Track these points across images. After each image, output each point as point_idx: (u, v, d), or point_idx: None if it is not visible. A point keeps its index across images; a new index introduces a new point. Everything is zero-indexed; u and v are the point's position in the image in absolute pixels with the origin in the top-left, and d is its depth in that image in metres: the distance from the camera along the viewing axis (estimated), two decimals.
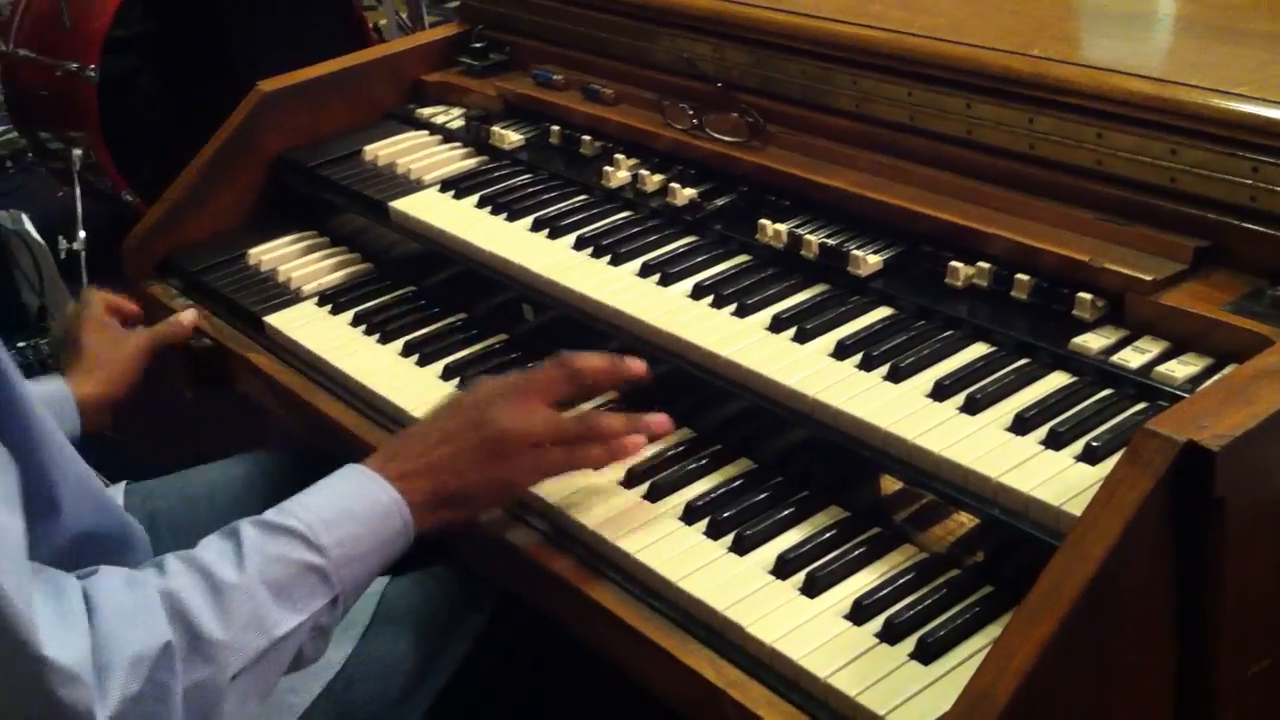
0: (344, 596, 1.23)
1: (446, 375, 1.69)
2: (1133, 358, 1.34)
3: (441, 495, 1.30)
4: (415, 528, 1.28)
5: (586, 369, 1.41)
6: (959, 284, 1.50)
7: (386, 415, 1.66)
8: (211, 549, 1.19)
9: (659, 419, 1.41)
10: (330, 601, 1.21)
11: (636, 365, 1.43)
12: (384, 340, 1.79)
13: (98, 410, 1.72)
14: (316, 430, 1.73)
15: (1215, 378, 1.28)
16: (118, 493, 1.70)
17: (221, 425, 2.53)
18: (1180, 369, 1.31)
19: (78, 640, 1.04)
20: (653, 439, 1.43)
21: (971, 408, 1.33)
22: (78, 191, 3.77)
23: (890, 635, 1.20)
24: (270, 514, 1.23)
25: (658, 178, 1.83)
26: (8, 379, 1.12)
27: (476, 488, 1.32)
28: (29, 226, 3.32)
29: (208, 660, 1.11)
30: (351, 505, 1.25)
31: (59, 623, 1.03)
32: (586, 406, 1.51)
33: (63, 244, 3.66)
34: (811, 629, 1.22)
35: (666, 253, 1.70)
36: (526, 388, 1.37)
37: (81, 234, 3.66)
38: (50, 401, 1.63)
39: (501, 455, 1.32)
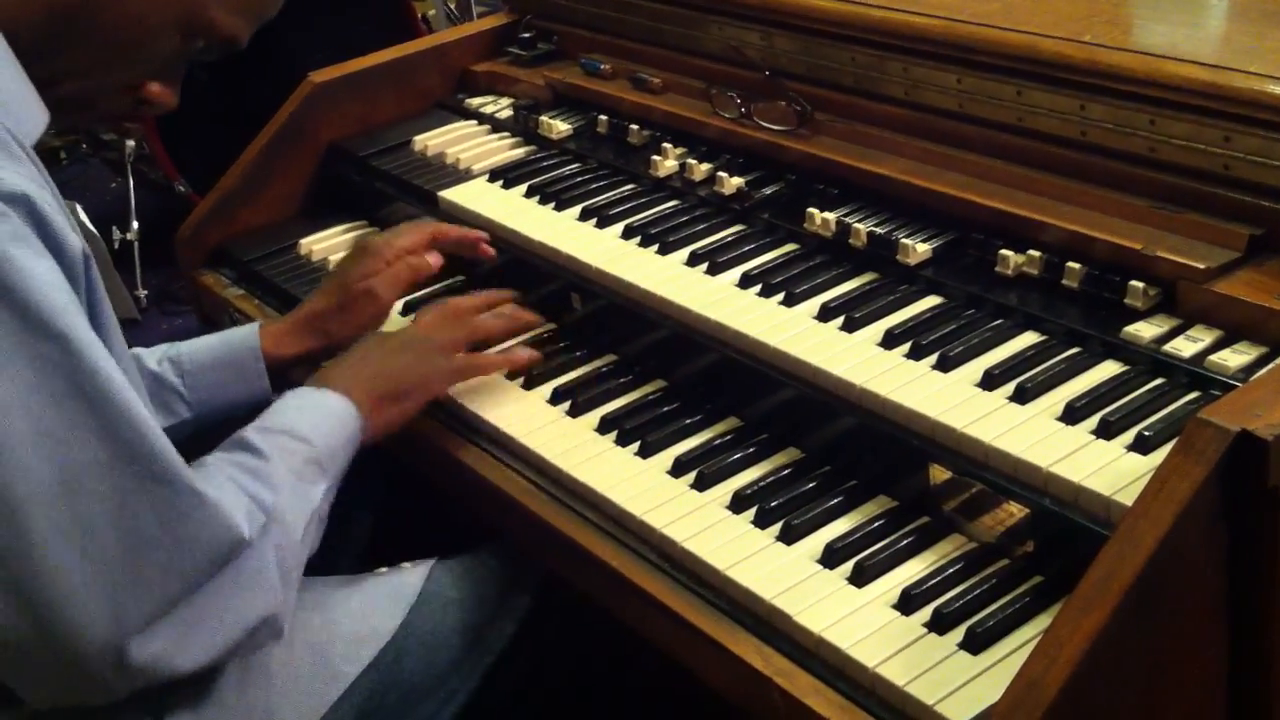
0: (331, 486, 1.38)
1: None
2: (1185, 347, 1.33)
3: (381, 394, 1.48)
4: (369, 427, 1.45)
5: (477, 311, 1.65)
6: (1009, 272, 1.49)
7: (435, 403, 1.67)
8: (229, 453, 1.31)
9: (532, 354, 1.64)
10: (328, 488, 1.36)
11: (525, 314, 1.70)
12: None
13: (310, 326, 1.70)
14: None
15: (1269, 367, 1.27)
16: None
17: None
18: (1233, 358, 1.30)
19: (213, 488, 1.18)
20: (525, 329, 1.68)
21: (1021, 397, 1.33)
22: (131, 182, 3.81)
23: (939, 625, 1.19)
24: (257, 423, 1.36)
25: (705, 166, 1.83)
26: (105, 308, 1.20)
27: (408, 382, 1.52)
28: (83, 217, 3.37)
29: (280, 521, 1.25)
30: (318, 414, 1.41)
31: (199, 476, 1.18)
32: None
33: (116, 234, 3.71)
34: (859, 618, 1.22)
35: (714, 242, 1.70)
36: (444, 308, 1.64)
37: (135, 224, 3.71)
38: (225, 340, 1.67)
39: (425, 351, 1.56)
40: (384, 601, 1.45)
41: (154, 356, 1.63)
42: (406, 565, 1.52)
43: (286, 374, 1.68)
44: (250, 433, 1.34)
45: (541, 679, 1.52)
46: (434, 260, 1.73)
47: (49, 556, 1.08)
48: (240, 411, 1.66)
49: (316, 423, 1.39)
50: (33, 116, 1.18)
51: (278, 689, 1.35)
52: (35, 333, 1.06)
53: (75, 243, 1.12)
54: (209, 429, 1.67)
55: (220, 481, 1.24)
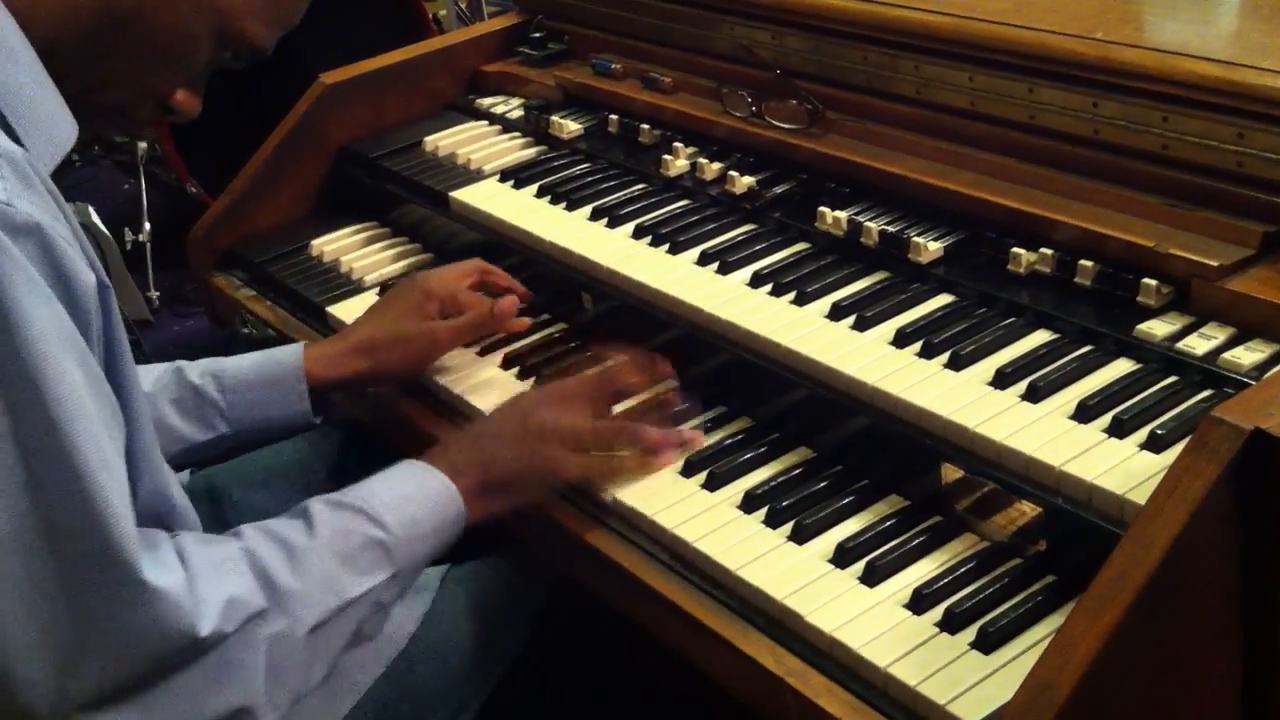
0: (402, 575, 1.30)
1: (506, 365, 1.69)
2: (1198, 344, 1.32)
3: (488, 482, 1.38)
4: (468, 515, 1.36)
5: (622, 379, 1.50)
6: (1021, 270, 1.49)
7: (447, 405, 1.67)
8: (281, 522, 1.26)
9: (694, 435, 1.48)
10: (390, 577, 1.28)
11: (664, 368, 1.54)
12: None
13: (355, 355, 1.67)
14: (377, 417, 1.74)
15: None
16: (183, 478, 1.72)
17: None
18: (1247, 356, 1.29)
19: (176, 574, 1.10)
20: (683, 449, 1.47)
21: (1034, 395, 1.32)
22: (143, 184, 3.82)
23: (951, 625, 1.19)
24: (334, 495, 1.30)
25: (716, 166, 1.83)
26: (119, 350, 1.16)
27: (518, 475, 1.40)
28: (95, 219, 3.37)
29: (286, 612, 1.18)
30: (410, 491, 1.34)
31: (157, 561, 1.09)
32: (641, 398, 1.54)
33: (128, 235, 3.72)
34: (871, 618, 1.22)
35: (725, 241, 1.69)
36: (566, 390, 1.47)
37: (147, 226, 3.71)
38: (270, 358, 1.65)
39: (541, 445, 1.41)
40: (397, 609, 1.43)
41: (197, 370, 1.63)
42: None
43: (327, 396, 1.67)
44: (318, 505, 1.28)
45: (554, 685, 1.51)
46: (514, 324, 1.70)
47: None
48: (278, 430, 1.68)
49: (402, 504, 1.31)
50: (61, 132, 1.16)
51: None
52: (15, 385, 1.03)
53: (86, 277, 1.09)
54: (248, 445, 1.69)
55: (218, 561, 1.16)
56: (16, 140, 1.10)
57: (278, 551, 1.21)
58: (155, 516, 1.24)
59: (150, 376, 1.60)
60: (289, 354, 1.66)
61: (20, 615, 1.04)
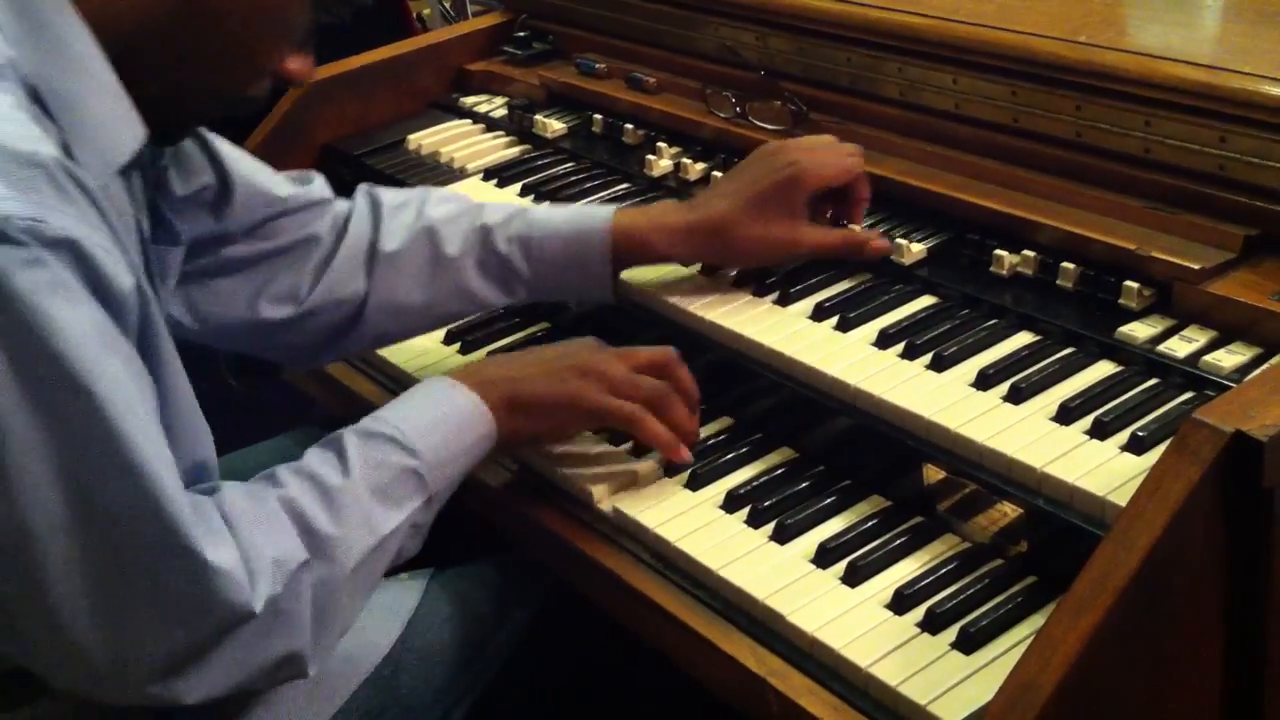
0: (437, 497, 1.31)
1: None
2: (1180, 347, 1.33)
3: (517, 400, 1.38)
4: (498, 433, 1.36)
5: (679, 379, 1.45)
6: (1004, 272, 1.49)
7: None
8: (316, 458, 1.27)
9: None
10: (425, 501, 1.29)
11: (686, 456, 1.44)
12: None
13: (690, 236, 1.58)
14: (359, 414, 1.73)
15: (1264, 367, 1.27)
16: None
17: (267, 411, 2.54)
18: (1228, 358, 1.29)
19: (230, 548, 1.13)
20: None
21: (1016, 397, 1.32)
22: None
23: (932, 625, 1.19)
24: (366, 422, 1.31)
25: (700, 166, 1.83)
26: (159, 345, 1.18)
27: (548, 399, 1.39)
28: None
29: (327, 558, 1.20)
30: (439, 412, 1.34)
31: (212, 537, 1.12)
32: None
33: None
34: (853, 618, 1.22)
35: None
36: (621, 351, 1.46)
37: None
38: (579, 236, 1.59)
39: (575, 377, 1.40)
40: (381, 615, 1.43)
41: (504, 235, 1.59)
42: (403, 576, 1.50)
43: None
44: (351, 437, 1.28)
45: (541, 694, 1.50)
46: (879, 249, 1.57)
47: (59, 586, 1.07)
48: (574, 300, 1.69)
49: (432, 428, 1.31)
50: (120, 139, 1.16)
51: (275, 704, 1.34)
52: (58, 385, 1.04)
53: (125, 282, 1.09)
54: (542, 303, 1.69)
55: (261, 518, 1.18)
56: (66, 146, 1.10)
57: (315, 496, 1.22)
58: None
59: (457, 235, 1.59)
60: (597, 234, 1.57)
61: (85, 597, 1.07)
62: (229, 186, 1.54)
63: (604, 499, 1.41)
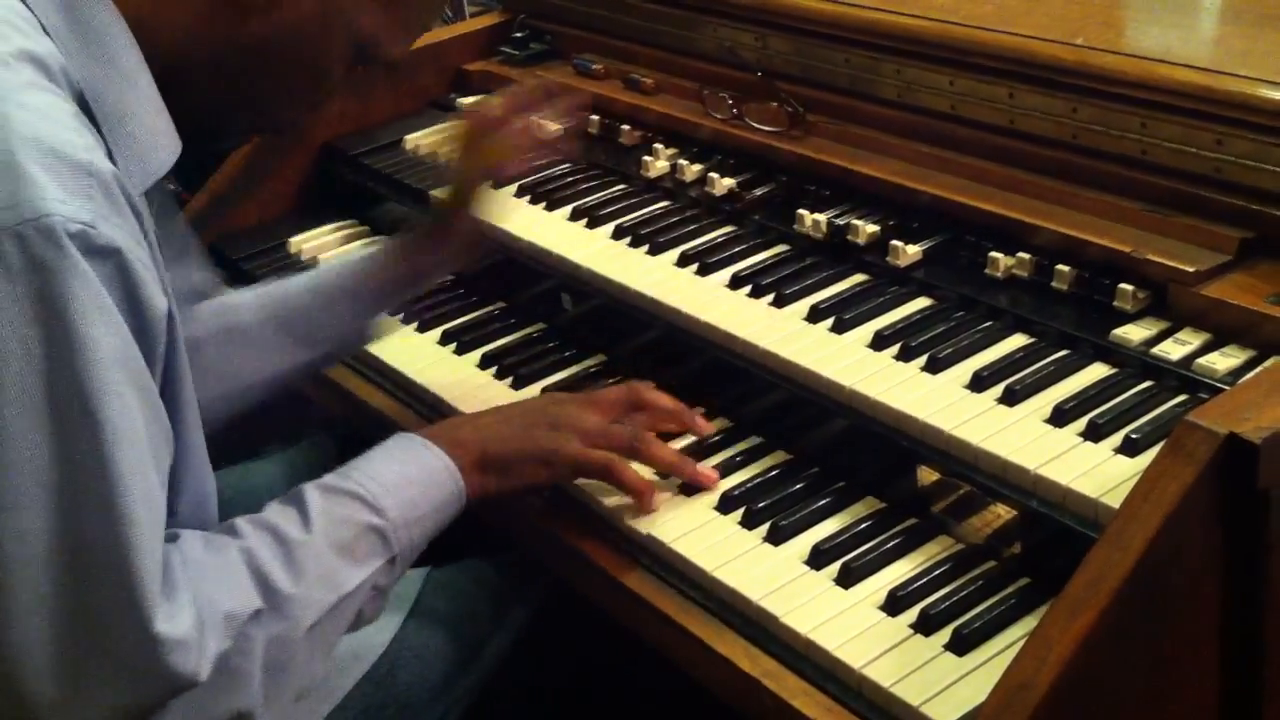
0: (401, 558, 1.27)
1: (484, 364, 1.69)
2: (1174, 349, 1.33)
3: (488, 459, 1.36)
4: (467, 493, 1.33)
5: (653, 403, 1.45)
6: (999, 274, 1.49)
7: (424, 403, 1.67)
8: (277, 512, 1.24)
9: (708, 474, 1.41)
10: (389, 561, 1.26)
11: (703, 425, 1.47)
12: (422, 329, 1.80)
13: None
14: (356, 415, 1.74)
15: (1258, 370, 1.27)
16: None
17: (264, 414, 2.53)
18: (1222, 361, 1.29)
19: (185, 611, 1.08)
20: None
21: (1010, 399, 1.32)
22: None
23: (925, 626, 1.19)
24: (330, 478, 1.28)
25: (697, 167, 1.83)
26: (181, 364, 1.16)
27: (520, 456, 1.37)
28: None
29: (283, 615, 1.16)
30: (410, 472, 1.31)
31: (169, 598, 1.08)
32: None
33: None
34: (847, 620, 1.22)
35: (705, 242, 1.69)
36: (588, 398, 1.44)
37: None
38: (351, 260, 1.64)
39: (548, 431, 1.39)
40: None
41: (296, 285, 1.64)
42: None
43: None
44: (313, 492, 1.25)
45: (540, 693, 1.50)
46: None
47: (22, 623, 1.03)
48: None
49: (401, 486, 1.28)
50: (159, 154, 1.16)
51: None
52: (71, 403, 1.02)
53: (160, 304, 1.08)
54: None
55: (217, 569, 1.15)
56: (110, 156, 1.10)
57: (274, 550, 1.18)
58: (195, 523, 1.24)
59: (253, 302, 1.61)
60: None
61: (36, 632, 1.03)
62: None
63: (600, 499, 1.40)
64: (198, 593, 1.10)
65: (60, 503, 1.02)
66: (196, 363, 1.28)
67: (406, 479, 1.30)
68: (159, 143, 1.16)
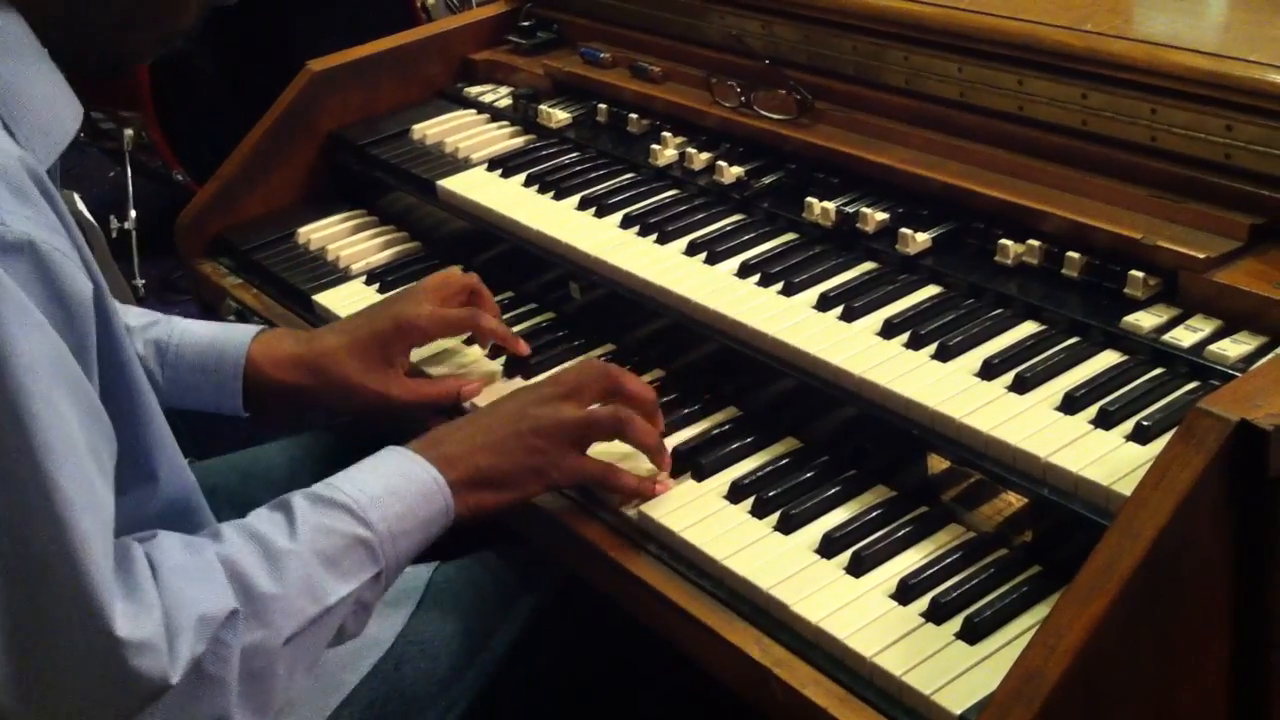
0: (386, 572, 1.26)
1: (493, 354, 1.69)
2: (1185, 336, 1.33)
3: (480, 478, 1.34)
4: (455, 509, 1.32)
5: (631, 394, 1.43)
6: (1009, 262, 1.49)
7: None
8: (264, 519, 1.22)
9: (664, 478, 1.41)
10: (374, 576, 1.24)
11: (658, 422, 1.45)
12: None
13: (304, 365, 1.59)
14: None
15: (1269, 357, 1.26)
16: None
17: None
18: (1233, 348, 1.29)
19: (150, 612, 1.06)
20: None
21: (1020, 387, 1.32)
22: (129, 171, 3.80)
23: (936, 615, 1.19)
24: (319, 488, 1.26)
25: (705, 156, 1.83)
26: (119, 344, 1.14)
27: (512, 473, 1.36)
28: (81, 206, 3.35)
29: (263, 622, 1.14)
30: (396, 484, 1.29)
31: (131, 599, 1.06)
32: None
33: (114, 223, 3.70)
34: (857, 608, 1.22)
35: (713, 231, 1.69)
36: (565, 390, 1.41)
37: (132, 213, 3.70)
38: (215, 344, 1.59)
39: (536, 440, 1.37)
40: (384, 607, 1.41)
41: (144, 337, 1.59)
42: (407, 568, 1.50)
43: (266, 398, 1.60)
44: (300, 501, 1.23)
45: (546, 685, 1.50)
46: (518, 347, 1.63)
47: None
48: (207, 410, 1.61)
49: (389, 500, 1.26)
50: (62, 123, 1.13)
51: None
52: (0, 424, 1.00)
53: (83, 287, 1.06)
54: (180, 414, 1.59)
55: (197, 568, 1.12)
56: (11, 134, 1.07)
57: (257, 556, 1.16)
58: (186, 509, 1.23)
59: None
60: (236, 343, 1.59)
61: (4, 655, 1.02)
62: None
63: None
64: (172, 594, 1.08)
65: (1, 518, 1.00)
66: None
67: (394, 492, 1.27)
68: (59, 112, 1.13)
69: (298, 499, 1.23)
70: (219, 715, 1.10)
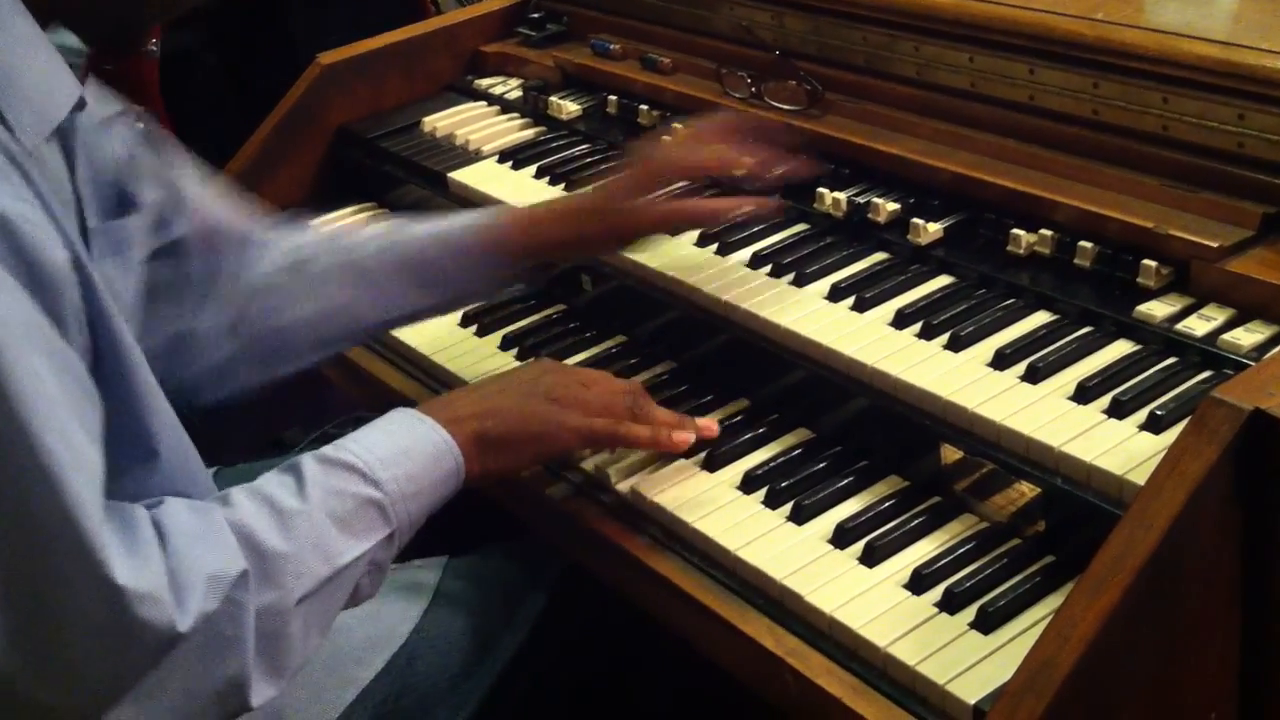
0: (399, 533, 1.24)
1: (505, 345, 1.69)
2: (1198, 325, 1.32)
3: (488, 438, 1.32)
4: (465, 471, 1.30)
5: (653, 413, 1.43)
6: (1021, 252, 1.49)
7: (446, 385, 1.67)
8: (273, 481, 1.21)
9: (709, 424, 1.44)
10: (387, 537, 1.23)
11: (687, 437, 1.44)
12: None
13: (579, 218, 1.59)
14: (377, 398, 1.74)
15: None
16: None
17: (287, 398, 2.54)
18: (1246, 337, 1.29)
19: (153, 567, 1.06)
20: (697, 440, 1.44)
21: (1033, 376, 1.32)
22: None
23: (950, 605, 1.19)
24: (328, 450, 1.25)
25: None
26: (109, 324, 1.13)
27: (519, 434, 1.34)
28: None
29: (275, 583, 1.13)
30: (406, 445, 1.27)
31: (131, 553, 1.05)
32: None
33: None
34: (871, 598, 1.22)
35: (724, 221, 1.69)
36: (586, 372, 1.43)
37: None
38: (474, 227, 1.58)
39: (546, 405, 1.36)
40: (397, 602, 1.42)
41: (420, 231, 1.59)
42: (418, 564, 1.49)
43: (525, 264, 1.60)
44: (310, 463, 1.22)
45: (557, 678, 1.50)
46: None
47: None
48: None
49: (399, 459, 1.25)
50: (55, 99, 1.13)
51: (290, 692, 1.30)
52: None
53: (58, 257, 1.05)
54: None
55: (201, 532, 1.11)
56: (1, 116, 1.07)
57: (267, 516, 1.16)
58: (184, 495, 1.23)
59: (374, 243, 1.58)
60: (494, 216, 1.59)
61: (2, 617, 1.01)
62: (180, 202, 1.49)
63: (620, 480, 1.41)
64: (179, 555, 1.08)
65: None
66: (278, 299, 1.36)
67: (404, 453, 1.26)
68: (52, 85, 1.13)
69: (307, 460, 1.23)
70: (235, 675, 1.10)
